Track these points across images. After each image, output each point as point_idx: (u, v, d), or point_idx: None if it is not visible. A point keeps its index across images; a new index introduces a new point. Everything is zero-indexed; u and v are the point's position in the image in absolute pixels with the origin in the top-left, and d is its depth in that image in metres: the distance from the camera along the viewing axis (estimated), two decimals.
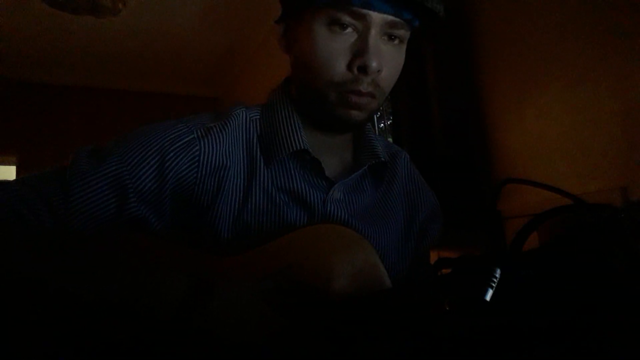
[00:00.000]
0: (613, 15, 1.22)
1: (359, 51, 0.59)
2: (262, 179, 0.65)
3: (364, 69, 0.59)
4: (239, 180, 0.64)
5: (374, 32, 0.60)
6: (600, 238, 0.45)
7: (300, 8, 0.63)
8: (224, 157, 0.64)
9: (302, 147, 0.64)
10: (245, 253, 0.57)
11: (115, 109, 4.08)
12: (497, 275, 0.46)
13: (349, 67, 0.60)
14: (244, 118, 0.68)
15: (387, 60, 0.62)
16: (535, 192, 1.32)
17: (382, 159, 0.70)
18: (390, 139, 2.08)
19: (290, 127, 0.66)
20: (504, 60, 1.58)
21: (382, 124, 2.48)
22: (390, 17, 0.60)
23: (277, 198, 0.64)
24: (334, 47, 0.60)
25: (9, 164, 3.79)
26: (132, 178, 0.58)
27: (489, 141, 1.65)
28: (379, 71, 0.61)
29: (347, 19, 0.59)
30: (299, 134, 0.65)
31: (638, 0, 1.16)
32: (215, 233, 0.62)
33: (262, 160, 0.66)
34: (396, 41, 0.63)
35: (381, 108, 2.43)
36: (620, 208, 0.46)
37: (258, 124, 0.69)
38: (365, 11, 0.58)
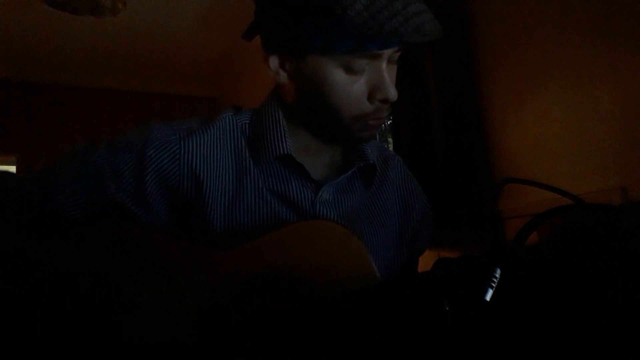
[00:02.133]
0: (613, 15, 1.22)
1: (378, 85, 0.61)
2: (253, 180, 0.67)
3: (385, 101, 0.62)
4: (226, 181, 0.66)
5: (384, 64, 0.61)
6: (594, 238, 0.45)
7: (305, 51, 0.60)
8: (207, 158, 0.66)
9: (286, 153, 0.66)
10: (235, 248, 0.58)
11: (115, 109, 4.08)
12: (497, 275, 0.46)
13: (369, 99, 0.62)
14: (229, 122, 0.70)
15: (394, 81, 0.64)
16: (535, 192, 1.32)
17: (371, 162, 0.71)
18: (390, 139, 2.08)
19: (275, 132, 0.67)
20: (504, 60, 1.58)
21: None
22: (396, 47, 0.61)
23: (268, 200, 0.66)
24: (353, 87, 0.61)
25: (9, 164, 3.78)
26: (110, 166, 0.63)
27: (489, 141, 1.65)
28: None
29: (364, 62, 0.60)
30: (283, 139, 0.66)
31: (637, 1, 1.16)
32: (208, 232, 0.64)
33: (252, 162, 0.68)
34: (396, 61, 0.65)
35: None
36: (613, 208, 0.46)
37: (247, 128, 0.71)
38: (381, 51, 0.59)
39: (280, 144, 0.66)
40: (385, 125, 2.46)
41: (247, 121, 0.71)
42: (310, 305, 0.55)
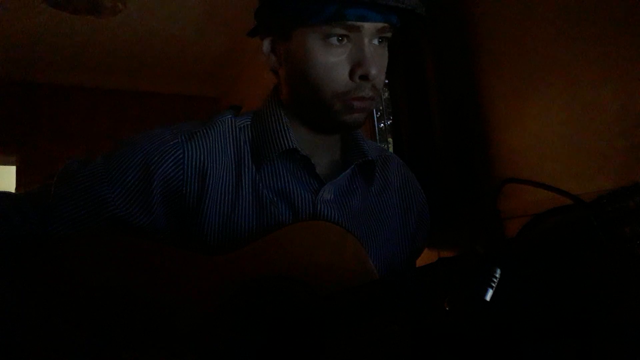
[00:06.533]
0: (613, 15, 1.22)
1: (358, 61, 0.62)
2: (251, 182, 0.67)
3: (365, 77, 0.62)
4: (227, 183, 0.66)
5: (367, 40, 0.62)
6: (583, 223, 0.45)
7: (290, 27, 0.64)
8: (209, 160, 0.66)
9: (291, 147, 0.66)
10: (232, 252, 0.58)
11: (115, 109, 4.08)
12: (497, 275, 0.46)
13: (350, 76, 0.62)
14: (230, 124, 0.70)
15: (379, 63, 0.64)
16: (535, 192, 1.32)
17: (370, 158, 0.72)
18: (390, 139, 2.08)
19: (278, 129, 0.68)
20: (504, 60, 1.58)
21: (382, 124, 2.48)
22: (381, 24, 0.62)
23: (267, 200, 0.66)
24: (333, 61, 0.62)
25: (9, 164, 3.79)
26: (109, 176, 0.62)
27: (489, 141, 1.65)
28: None
29: (342, 32, 0.61)
30: (287, 134, 0.67)
31: (637, 1, 1.16)
32: (204, 235, 0.64)
33: (252, 164, 0.68)
34: (383, 43, 0.66)
35: (381, 108, 2.43)
36: (603, 195, 0.46)
37: (249, 129, 0.71)
38: (359, 23, 0.60)
39: (285, 139, 0.66)
40: (385, 125, 2.46)
41: (248, 122, 0.72)
42: (307, 305, 0.55)
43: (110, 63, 3.72)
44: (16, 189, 3.58)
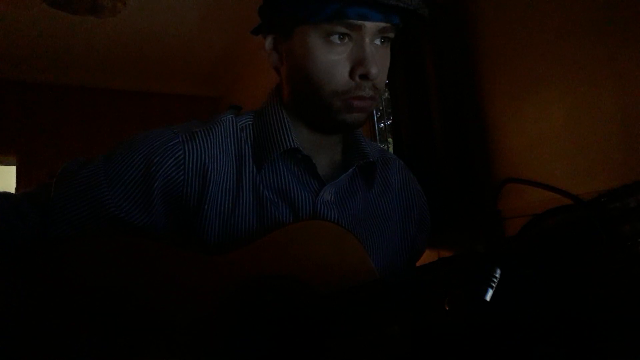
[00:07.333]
0: (613, 15, 1.22)
1: (359, 60, 0.62)
2: (252, 182, 0.67)
3: (366, 77, 0.62)
4: (227, 183, 0.66)
5: (368, 40, 0.62)
6: (584, 222, 0.45)
7: (292, 25, 0.64)
8: (210, 160, 0.66)
9: (293, 146, 0.66)
10: (232, 252, 0.58)
11: (115, 109, 4.08)
12: (497, 275, 0.46)
13: (351, 75, 0.62)
14: (231, 124, 0.70)
15: (380, 63, 0.64)
16: (535, 192, 1.32)
17: (371, 159, 0.72)
18: (390, 139, 2.08)
19: (280, 128, 0.68)
20: (504, 60, 1.58)
21: (382, 124, 2.48)
22: (382, 24, 0.62)
23: (267, 200, 0.66)
24: (334, 59, 0.62)
25: (9, 164, 3.79)
26: (109, 177, 0.62)
27: (489, 141, 1.65)
28: None
29: (343, 31, 0.61)
30: (289, 133, 0.67)
31: (637, 1, 1.16)
32: (205, 234, 0.64)
33: (253, 163, 0.68)
34: (385, 43, 0.66)
35: (381, 108, 2.43)
36: (603, 194, 0.46)
37: (250, 129, 0.71)
38: (360, 22, 0.61)
39: (286, 139, 0.66)
40: (385, 125, 2.46)
41: (250, 122, 0.72)
42: (307, 305, 0.55)
43: (110, 63, 3.72)
44: (16, 189, 3.59)
